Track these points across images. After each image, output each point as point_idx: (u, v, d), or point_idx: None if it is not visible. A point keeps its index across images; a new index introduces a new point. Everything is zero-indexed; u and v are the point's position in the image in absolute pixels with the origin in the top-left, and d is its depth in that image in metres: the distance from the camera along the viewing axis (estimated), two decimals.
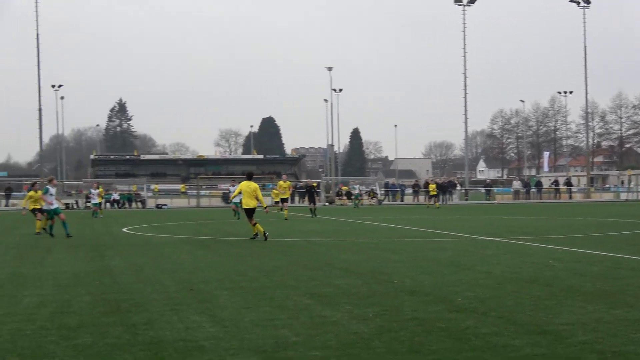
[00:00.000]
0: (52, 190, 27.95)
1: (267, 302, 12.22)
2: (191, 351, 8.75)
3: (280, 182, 44.04)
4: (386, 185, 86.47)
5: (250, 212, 25.80)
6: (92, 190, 49.41)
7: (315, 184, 58.11)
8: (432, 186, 63.65)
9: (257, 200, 25.75)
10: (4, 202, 75.65)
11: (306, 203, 56.52)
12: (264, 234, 25.03)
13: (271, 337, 9.45)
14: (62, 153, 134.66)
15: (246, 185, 26.08)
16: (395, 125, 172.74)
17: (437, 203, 62.96)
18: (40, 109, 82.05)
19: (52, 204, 27.72)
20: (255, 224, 25.39)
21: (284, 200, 43.30)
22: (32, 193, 30.57)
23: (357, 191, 69.45)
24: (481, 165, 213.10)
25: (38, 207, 29.77)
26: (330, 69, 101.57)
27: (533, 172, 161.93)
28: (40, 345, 9.14)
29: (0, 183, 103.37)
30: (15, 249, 23.10)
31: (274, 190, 47.75)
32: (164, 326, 10.21)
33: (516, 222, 36.28)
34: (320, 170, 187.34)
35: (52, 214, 27.69)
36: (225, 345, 9.02)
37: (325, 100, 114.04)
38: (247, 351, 8.73)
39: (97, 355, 8.61)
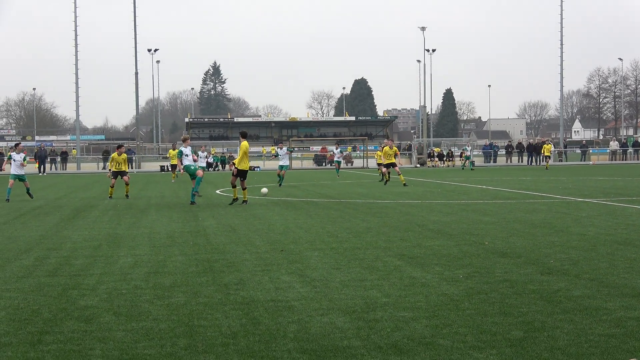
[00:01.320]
0: (187, 150, 26.69)
1: (358, 263, 12.29)
2: (281, 311, 8.87)
3: (386, 149, 37.75)
4: (490, 147, 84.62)
5: (245, 174, 24.86)
6: (200, 153, 49.35)
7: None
8: (548, 147, 61.44)
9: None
10: (101, 164, 77.37)
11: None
12: (242, 200, 24.87)
13: (361, 298, 9.51)
14: (158, 116, 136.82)
15: (246, 146, 24.88)
16: (489, 86, 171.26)
17: (547, 164, 60.88)
18: (136, 73, 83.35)
19: (196, 161, 27.16)
20: (245, 188, 24.99)
21: (389, 165, 37.24)
22: (114, 155, 29.61)
23: (468, 153, 64.62)
24: (577, 125, 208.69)
25: (121, 169, 29.15)
26: (423, 29, 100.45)
27: (630, 132, 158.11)
28: (135, 304, 9.38)
29: (98, 146, 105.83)
30: (112, 210, 23.61)
31: (378, 153, 45.29)
32: (255, 286, 10.36)
33: (612, 183, 35.53)
34: (412, 131, 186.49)
35: (192, 174, 26.35)
36: (315, 306, 9.11)
37: (418, 61, 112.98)
38: (336, 311, 8.80)
39: (190, 314, 8.79)
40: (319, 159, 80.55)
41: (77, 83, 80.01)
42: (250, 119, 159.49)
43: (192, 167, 26.42)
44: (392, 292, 9.89)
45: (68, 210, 23.84)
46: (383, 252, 13.45)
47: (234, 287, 10.33)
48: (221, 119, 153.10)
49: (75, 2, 79.87)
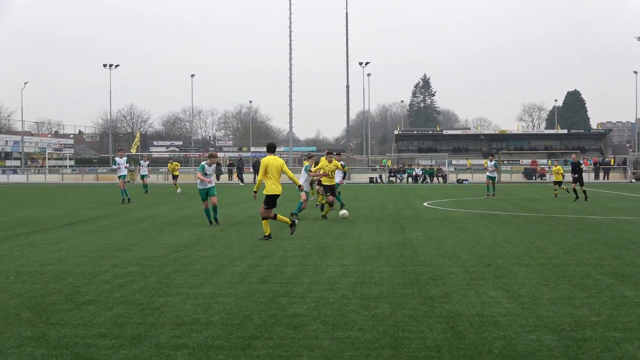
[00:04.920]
0: (209, 169, 23.50)
1: (567, 280, 11.98)
2: (487, 326, 8.78)
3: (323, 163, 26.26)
4: None
5: (275, 199, 18.59)
6: (142, 163, 49.82)
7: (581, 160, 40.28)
8: None
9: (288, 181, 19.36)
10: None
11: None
12: (292, 224, 18.85)
13: (570, 316, 9.27)
14: (368, 128, 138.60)
15: (273, 160, 18.48)
16: None
17: None
18: (347, 86, 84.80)
19: (210, 182, 23.40)
20: (276, 215, 18.49)
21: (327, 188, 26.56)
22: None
23: None
24: None
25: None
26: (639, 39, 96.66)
27: None
28: (342, 314, 9.53)
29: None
30: (320, 220, 24.01)
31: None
32: (461, 300, 10.30)
33: None
34: (627, 145, 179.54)
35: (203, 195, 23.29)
36: (521, 322, 8.96)
37: (635, 72, 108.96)
38: (544, 329, 8.63)
39: (395, 326, 8.85)
40: (528, 173, 78.94)
41: (290, 96, 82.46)
42: (459, 132, 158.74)
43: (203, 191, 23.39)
44: (602, 311, 9.58)
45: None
46: (594, 270, 13.04)
47: (439, 300, 10.31)
48: (430, 132, 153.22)
49: (290, 18, 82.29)
